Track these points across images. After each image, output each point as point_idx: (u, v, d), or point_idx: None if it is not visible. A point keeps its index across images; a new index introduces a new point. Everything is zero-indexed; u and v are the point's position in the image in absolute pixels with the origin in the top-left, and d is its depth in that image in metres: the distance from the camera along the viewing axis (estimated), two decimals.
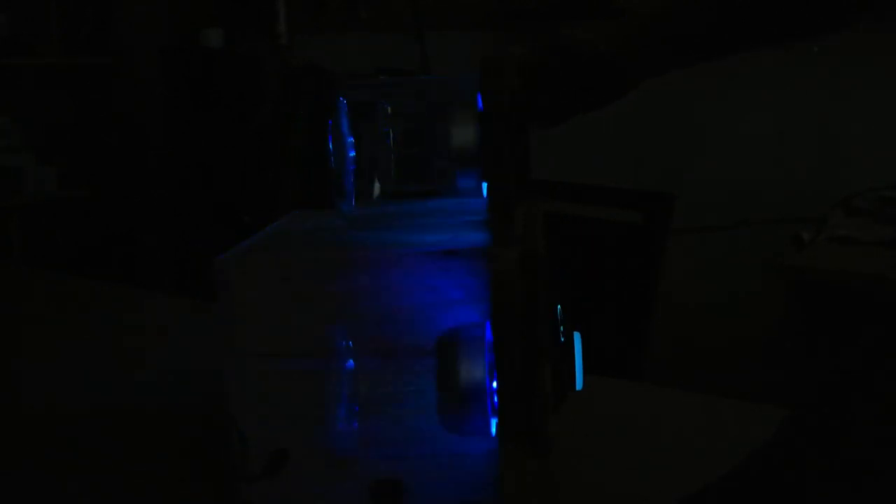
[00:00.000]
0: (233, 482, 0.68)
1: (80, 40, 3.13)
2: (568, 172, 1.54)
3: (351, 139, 0.73)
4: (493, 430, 0.64)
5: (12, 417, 0.92)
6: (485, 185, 0.73)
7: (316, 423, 0.67)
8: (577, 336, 0.69)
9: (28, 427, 0.90)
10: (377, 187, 0.77)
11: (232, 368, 0.67)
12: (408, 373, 0.66)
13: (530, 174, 0.85)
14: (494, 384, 0.62)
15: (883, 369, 0.51)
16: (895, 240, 1.64)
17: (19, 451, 0.84)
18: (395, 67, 2.55)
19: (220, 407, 0.68)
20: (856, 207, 1.88)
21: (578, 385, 0.70)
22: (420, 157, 0.74)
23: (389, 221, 0.80)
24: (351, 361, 0.67)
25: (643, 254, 1.36)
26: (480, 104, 0.69)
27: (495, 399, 0.62)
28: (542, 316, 0.63)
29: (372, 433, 0.68)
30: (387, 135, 0.74)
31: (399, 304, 0.66)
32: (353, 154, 0.73)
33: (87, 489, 0.75)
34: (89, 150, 3.24)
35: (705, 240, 2.38)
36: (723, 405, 0.91)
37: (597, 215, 1.43)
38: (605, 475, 0.76)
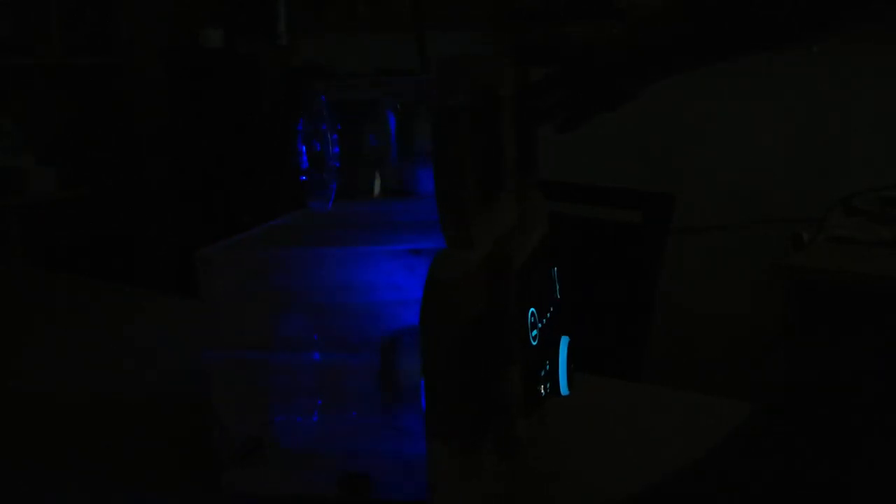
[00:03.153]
0: (216, 469, 0.69)
1: (81, 40, 3.13)
2: (568, 172, 1.54)
3: (335, 136, 0.73)
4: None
5: (12, 414, 0.92)
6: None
7: (284, 414, 0.68)
8: (564, 340, 0.68)
9: (28, 424, 0.90)
10: (374, 185, 0.77)
11: (211, 360, 0.68)
12: (370, 369, 0.66)
13: (537, 174, 0.85)
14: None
15: (883, 368, 0.51)
16: (895, 240, 1.64)
17: (19, 447, 0.84)
18: (394, 67, 2.55)
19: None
20: (856, 207, 1.88)
21: (564, 390, 0.69)
22: (394, 157, 0.74)
23: (364, 220, 0.80)
24: (317, 355, 0.67)
25: (643, 254, 1.36)
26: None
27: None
28: (508, 319, 0.62)
29: (333, 427, 0.68)
30: (364, 135, 0.74)
31: (364, 302, 0.66)
32: (335, 151, 0.73)
33: (86, 480, 0.75)
34: (89, 150, 3.24)
35: (705, 240, 2.37)
36: (721, 405, 0.91)
37: (597, 215, 1.43)
38: (603, 474, 0.76)
